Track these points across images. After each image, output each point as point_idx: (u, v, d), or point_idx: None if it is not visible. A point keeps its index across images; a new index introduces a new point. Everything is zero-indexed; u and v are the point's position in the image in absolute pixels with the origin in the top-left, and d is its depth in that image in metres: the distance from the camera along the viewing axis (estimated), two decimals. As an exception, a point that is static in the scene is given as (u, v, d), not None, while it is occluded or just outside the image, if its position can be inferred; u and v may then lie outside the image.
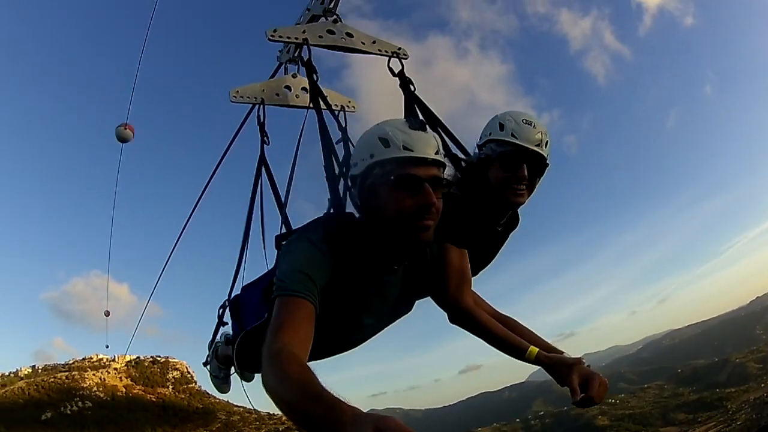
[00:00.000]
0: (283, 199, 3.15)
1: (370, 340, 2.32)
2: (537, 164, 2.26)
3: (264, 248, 3.18)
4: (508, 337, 2.11)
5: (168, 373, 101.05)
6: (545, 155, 2.27)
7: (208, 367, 3.52)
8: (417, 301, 2.28)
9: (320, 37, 3.11)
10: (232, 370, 3.41)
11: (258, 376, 2.56)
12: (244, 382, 2.86)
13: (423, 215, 1.72)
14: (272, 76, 3.83)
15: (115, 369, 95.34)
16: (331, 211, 2.19)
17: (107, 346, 20.54)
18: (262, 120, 3.47)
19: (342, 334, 2.14)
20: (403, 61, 3.09)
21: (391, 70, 3.04)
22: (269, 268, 2.66)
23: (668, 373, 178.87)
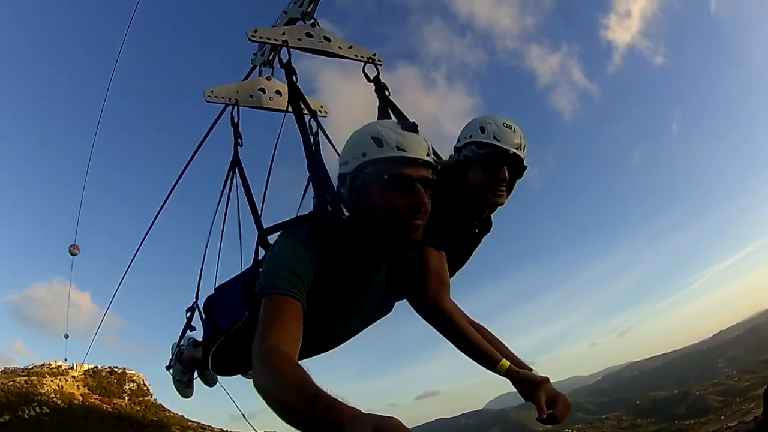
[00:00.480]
0: (257, 203, 3.10)
1: (350, 340, 2.31)
2: (516, 166, 2.35)
3: (241, 250, 3.15)
4: (481, 345, 2.13)
5: (125, 384, 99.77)
6: (524, 158, 2.36)
7: (171, 371, 3.46)
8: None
9: (299, 39, 3.16)
10: (196, 374, 3.39)
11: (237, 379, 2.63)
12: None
13: (414, 215, 1.75)
14: (245, 78, 3.83)
15: (73, 377, 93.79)
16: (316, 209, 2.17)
17: (66, 360, 20.66)
18: (236, 121, 3.45)
19: (326, 332, 2.11)
20: (378, 66, 3.15)
21: (366, 75, 3.10)
22: (242, 270, 2.68)
23: (627, 405, 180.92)
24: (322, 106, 3.75)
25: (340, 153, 1.97)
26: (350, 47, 3.26)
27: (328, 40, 3.24)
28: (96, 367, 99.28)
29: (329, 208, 2.06)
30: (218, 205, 3.29)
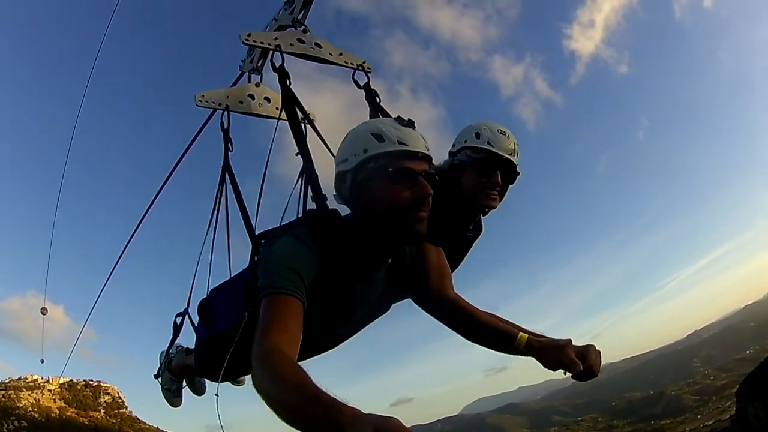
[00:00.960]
0: (248, 209, 3.03)
1: (348, 340, 2.29)
2: (509, 172, 2.44)
3: (229, 257, 3.14)
4: (495, 324, 2.08)
5: (100, 397, 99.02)
6: (517, 164, 2.45)
7: (160, 379, 3.38)
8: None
9: (291, 44, 3.16)
10: (185, 383, 3.32)
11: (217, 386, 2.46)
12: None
13: (419, 206, 1.77)
14: (233, 85, 3.82)
15: (50, 390, 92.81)
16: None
17: (42, 361, 19.66)
18: (226, 126, 3.43)
19: (327, 331, 2.10)
20: (368, 74, 3.20)
21: (356, 82, 3.15)
22: (231, 276, 2.64)
23: (603, 406, 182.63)
24: (309, 113, 3.76)
25: (335, 154, 1.97)
26: (340, 54, 3.28)
27: (320, 46, 3.26)
28: (71, 380, 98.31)
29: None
30: (213, 210, 3.24)
